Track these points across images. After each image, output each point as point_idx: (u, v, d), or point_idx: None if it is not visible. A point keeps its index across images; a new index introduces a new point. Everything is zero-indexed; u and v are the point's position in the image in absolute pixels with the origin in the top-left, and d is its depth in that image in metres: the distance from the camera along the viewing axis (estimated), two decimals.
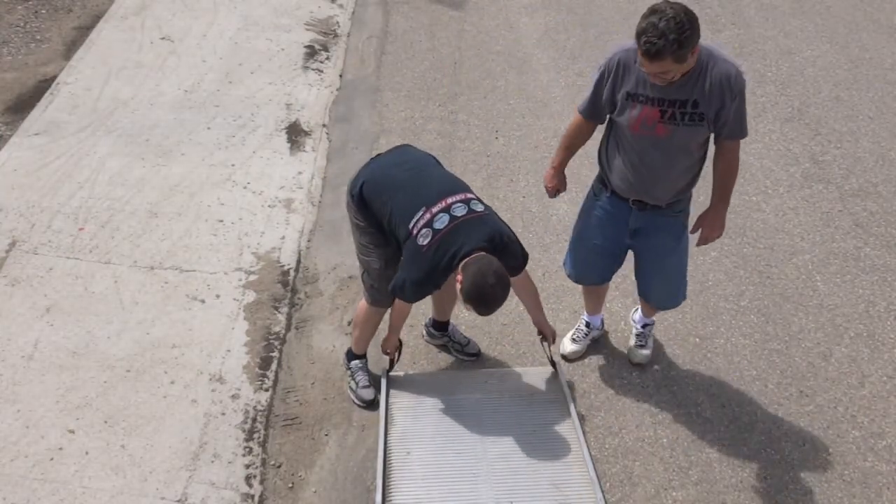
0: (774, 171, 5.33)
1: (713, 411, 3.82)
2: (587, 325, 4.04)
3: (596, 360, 4.03)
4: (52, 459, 3.38)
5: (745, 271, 4.58)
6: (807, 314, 4.33)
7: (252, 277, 4.33)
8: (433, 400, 3.63)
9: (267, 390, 3.78)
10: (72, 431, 3.50)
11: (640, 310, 4.00)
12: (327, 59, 6.30)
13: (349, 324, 4.17)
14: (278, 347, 3.99)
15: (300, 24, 6.69)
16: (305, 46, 6.39)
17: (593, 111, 3.32)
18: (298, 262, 4.50)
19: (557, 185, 3.61)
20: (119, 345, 3.89)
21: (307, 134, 5.47)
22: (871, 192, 5.19)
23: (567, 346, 4.02)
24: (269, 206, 4.81)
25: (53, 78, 5.77)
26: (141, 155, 5.09)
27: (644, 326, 4.00)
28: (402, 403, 3.62)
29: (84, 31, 6.36)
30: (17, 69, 5.90)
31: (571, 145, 3.52)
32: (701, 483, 3.49)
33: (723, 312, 4.32)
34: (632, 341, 4.04)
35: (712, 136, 3.20)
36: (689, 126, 3.06)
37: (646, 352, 4.01)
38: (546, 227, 4.82)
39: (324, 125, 5.60)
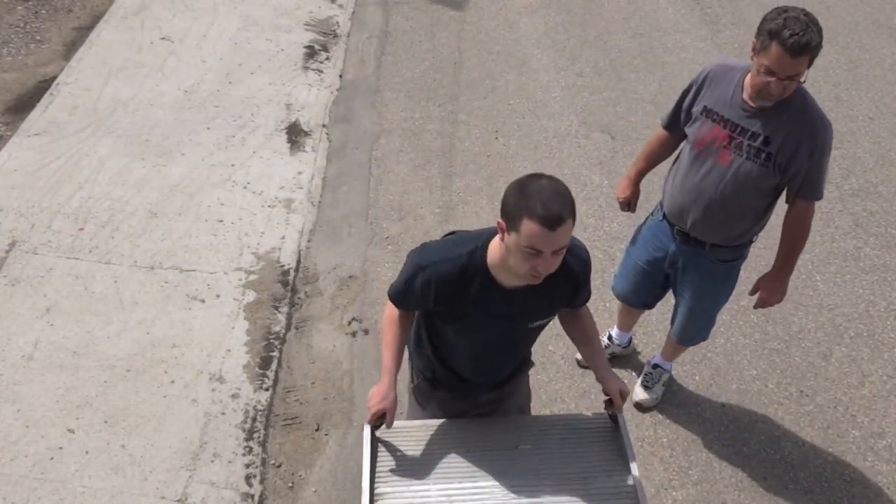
0: None
1: (713, 411, 3.81)
2: (609, 337, 3.95)
3: None
4: (52, 459, 3.38)
5: (745, 271, 4.55)
6: (807, 314, 4.33)
7: (252, 277, 4.33)
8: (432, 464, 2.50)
9: (267, 390, 3.78)
10: (72, 431, 3.50)
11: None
12: (327, 59, 6.30)
13: (349, 323, 4.17)
14: (278, 347, 3.99)
15: (300, 24, 6.69)
16: (305, 47, 6.39)
17: (672, 119, 3.16)
18: (298, 261, 4.50)
19: (630, 197, 3.44)
20: (119, 344, 3.89)
21: (307, 134, 5.47)
22: (870, 192, 5.19)
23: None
24: (269, 206, 4.81)
25: (53, 78, 5.77)
26: (141, 155, 5.09)
27: (654, 367, 3.81)
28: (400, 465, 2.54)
29: (84, 31, 6.36)
30: (17, 69, 5.90)
31: (650, 155, 3.35)
32: (701, 483, 3.49)
33: (723, 312, 4.31)
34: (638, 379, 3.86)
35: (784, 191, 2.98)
36: (752, 162, 2.85)
37: (648, 396, 3.78)
38: None
39: (324, 125, 5.60)
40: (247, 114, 5.56)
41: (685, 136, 3.11)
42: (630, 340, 4.00)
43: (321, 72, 6.13)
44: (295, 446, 3.58)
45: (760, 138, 2.82)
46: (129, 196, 4.77)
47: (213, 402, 3.68)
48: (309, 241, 4.66)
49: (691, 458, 3.59)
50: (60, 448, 3.43)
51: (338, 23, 6.79)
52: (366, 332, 4.12)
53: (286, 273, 4.39)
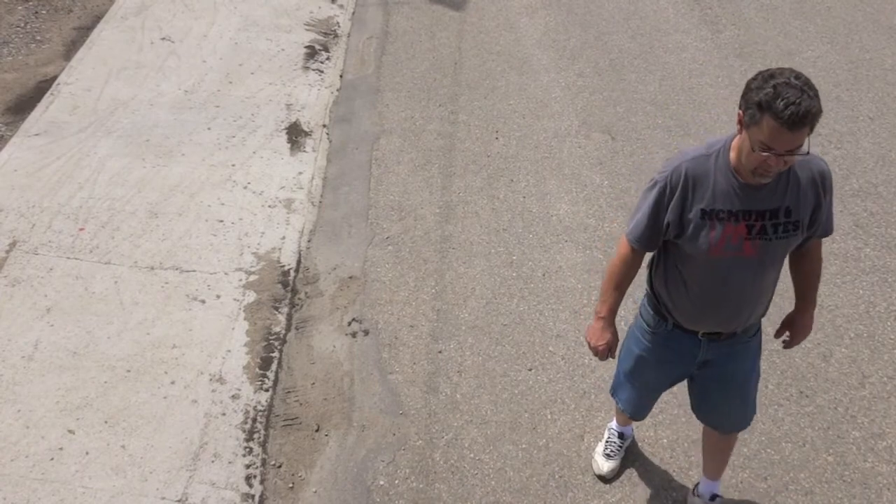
0: None
1: None
2: (620, 435, 3.53)
3: (595, 361, 4.02)
4: (52, 459, 3.38)
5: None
6: None
7: (252, 278, 4.33)
8: None
9: (267, 390, 3.78)
10: (72, 431, 3.50)
11: (702, 480, 3.37)
12: (327, 59, 6.30)
13: (349, 324, 4.17)
14: (278, 348, 3.99)
15: (300, 24, 6.69)
16: (306, 47, 6.39)
17: (651, 239, 2.68)
18: (299, 262, 4.50)
19: (612, 342, 2.94)
20: (119, 345, 3.89)
21: (307, 134, 5.47)
22: (871, 193, 5.19)
23: (602, 464, 3.49)
24: (269, 206, 4.81)
25: (54, 78, 5.77)
26: (141, 155, 5.09)
27: (713, 499, 3.33)
28: None
29: (84, 31, 6.36)
30: (18, 70, 5.90)
31: (621, 284, 2.85)
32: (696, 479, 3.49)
33: None
34: None
35: None
36: (782, 239, 2.55)
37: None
38: (546, 228, 4.82)
39: (324, 125, 5.60)
40: (247, 114, 5.56)
41: (655, 249, 2.75)
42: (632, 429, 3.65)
43: (321, 72, 6.13)
44: (295, 447, 3.58)
45: (782, 212, 2.52)
46: (129, 196, 4.77)
47: (214, 402, 3.68)
48: (309, 241, 4.66)
49: (691, 459, 3.59)
50: (61, 448, 3.43)
51: (338, 23, 6.79)
52: (366, 332, 4.12)
53: (286, 273, 4.39)
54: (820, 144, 5.58)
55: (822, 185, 2.55)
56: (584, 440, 3.67)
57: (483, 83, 6.15)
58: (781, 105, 2.22)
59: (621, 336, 3.06)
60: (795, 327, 2.97)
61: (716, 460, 3.26)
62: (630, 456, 3.59)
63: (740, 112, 2.36)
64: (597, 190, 5.12)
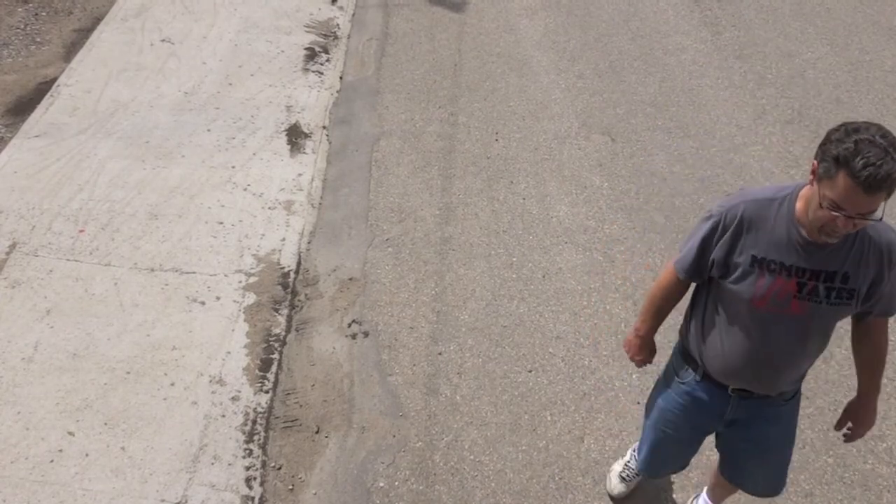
0: (775, 173, 5.33)
1: None
2: None
3: (596, 363, 4.02)
4: (52, 461, 3.38)
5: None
6: None
7: (252, 279, 4.33)
8: None
9: (267, 392, 3.77)
10: (72, 433, 3.50)
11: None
12: (327, 61, 6.30)
13: (349, 325, 4.17)
14: (278, 349, 3.99)
15: (300, 26, 6.69)
16: (305, 49, 6.39)
17: (697, 272, 2.55)
18: (298, 263, 4.50)
19: (646, 358, 2.91)
20: (119, 347, 3.89)
21: (307, 136, 5.47)
22: None
23: (615, 485, 3.42)
24: (269, 208, 4.81)
25: (54, 80, 5.77)
26: (141, 157, 5.09)
27: None
28: None
29: (84, 33, 6.36)
30: (18, 71, 5.90)
31: (662, 309, 2.76)
32: (701, 485, 3.48)
33: None
34: None
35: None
36: (834, 306, 2.36)
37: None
38: (546, 229, 4.82)
39: (324, 127, 5.60)
40: (247, 116, 5.56)
41: (702, 280, 2.61)
42: None
43: (321, 74, 6.13)
44: (295, 449, 3.58)
45: (839, 277, 2.33)
46: (129, 198, 4.77)
47: (214, 404, 3.68)
48: (309, 242, 4.66)
49: (692, 462, 3.59)
50: (60, 450, 3.43)
51: (338, 25, 6.79)
52: (366, 334, 4.12)
53: (286, 275, 4.39)
54: None
55: (888, 257, 2.33)
56: (584, 442, 3.66)
57: (483, 85, 6.15)
58: (860, 164, 2.04)
59: (660, 351, 3.02)
60: (858, 417, 2.67)
61: (724, 495, 3.21)
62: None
63: (815, 162, 2.18)
64: (597, 192, 5.12)
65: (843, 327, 4.24)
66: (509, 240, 4.73)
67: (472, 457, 3.59)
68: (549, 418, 3.76)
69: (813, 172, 2.19)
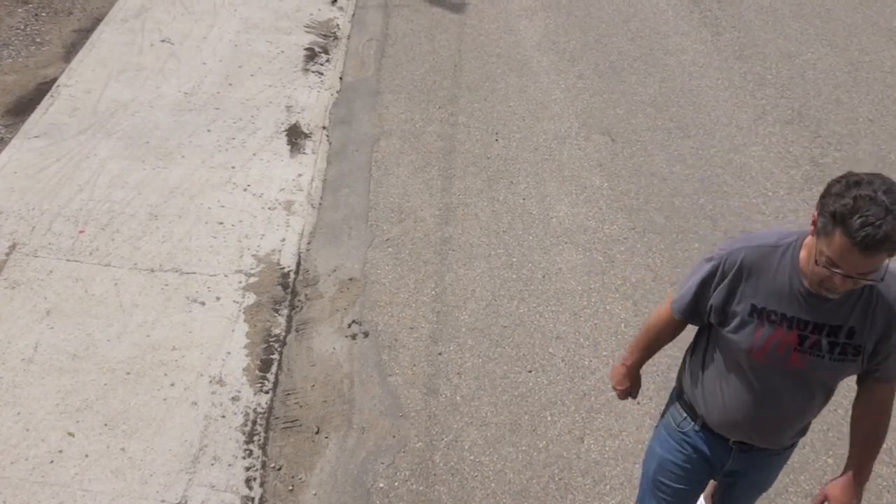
0: (775, 173, 5.33)
1: None
2: None
3: (596, 363, 4.02)
4: (51, 462, 3.38)
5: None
6: None
7: (252, 280, 4.33)
8: None
9: (267, 392, 3.77)
10: (72, 434, 3.50)
11: None
12: (327, 61, 6.30)
13: (349, 326, 4.17)
14: (278, 350, 3.99)
15: (300, 26, 6.69)
16: (305, 49, 6.39)
17: (694, 315, 2.43)
18: (298, 264, 4.50)
19: (631, 388, 2.81)
20: (119, 347, 3.89)
21: (307, 136, 5.47)
22: None
23: None
24: (269, 208, 4.81)
25: (54, 80, 5.77)
26: (141, 157, 5.09)
27: None
28: None
29: (84, 33, 6.36)
30: (18, 72, 5.90)
31: (654, 344, 2.66)
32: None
33: None
34: None
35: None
36: (838, 361, 2.22)
37: None
38: (546, 230, 4.82)
39: (324, 127, 5.60)
40: (247, 116, 5.56)
41: (703, 324, 2.49)
42: None
43: (321, 74, 6.13)
44: (295, 449, 3.57)
45: (843, 332, 2.19)
46: (129, 198, 4.77)
47: (213, 404, 3.67)
48: (309, 243, 4.66)
49: None
50: (60, 451, 3.43)
51: (338, 25, 6.79)
52: (366, 334, 4.12)
53: (286, 275, 4.39)
54: (820, 146, 5.59)
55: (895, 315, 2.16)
56: (584, 442, 3.66)
57: (483, 85, 6.15)
58: (858, 223, 1.90)
59: (645, 383, 2.97)
60: (834, 495, 2.40)
61: None
62: (631, 458, 3.59)
63: (815, 213, 2.04)
64: (597, 192, 5.12)
65: None
66: (509, 240, 4.74)
67: (472, 457, 3.59)
68: (549, 418, 3.76)
69: (813, 223, 2.06)
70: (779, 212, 5.02)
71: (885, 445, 3.66)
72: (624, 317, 4.27)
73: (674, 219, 4.92)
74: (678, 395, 2.64)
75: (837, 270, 1.99)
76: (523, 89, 6.13)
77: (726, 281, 2.27)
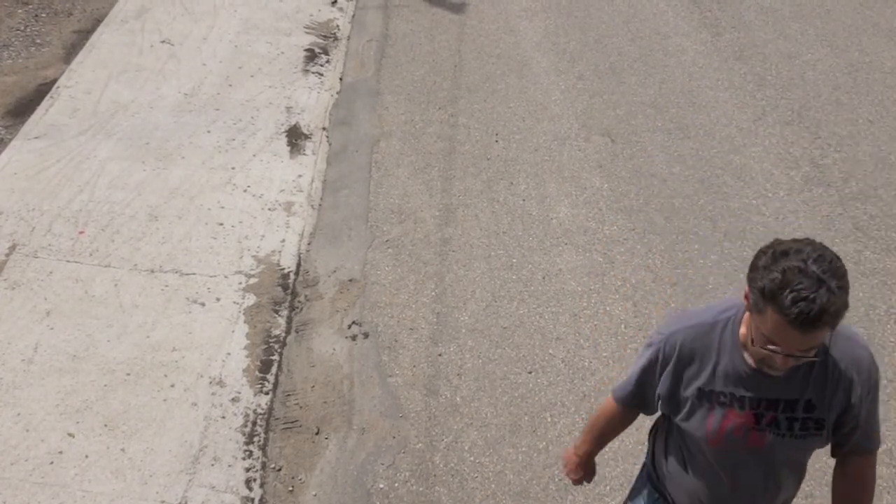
0: (774, 174, 5.33)
1: None
2: None
3: (596, 364, 4.02)
4: (51, 463, 3.38)
5: (745, 274, 4.57)
6: None
7: (252, 280, 4.33)
8: None
9: (267, 393, 3.77)
10: (72, 435, 3.50)
11: None
12: (327, 62, 6.31)
13: (349, 327, 4.17)
14: (278, 350, 3.99)
15: (300, 27, 6.69)
16: (305, 50, 6.40)
17: (638, 404, 2.31)
18: (298, 265, 4.50)
19: (583, 479, 2.62)
20: (119, 348, 3.89)
21: (307, 137, 5.47)
22: (871, 196, 5.19)
23: None
24: (269, 209, 4.81)
25: (54, 81, 5.77)
26: (141, 158, 5.09)
27: None
28: None
29: (84, 34, 6.37)
30: (18, 73, 5.90)
31: (605, 435, 2.49)
32: None
33: None
34: None
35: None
36: (800, 438, 2.03)
37: None
38: (546, 230, 4.82)
39: (324, 128, 5.60)
40: (247, 117, 5.56)
41: (655, 412, 2.33)
42: None
43: (321, 75, 6.13)
44: (295, 450, 3.57)
45: (800, 406, 2.00)
46: (129, 199, 4.77)
47: (213, 405, 3.67)
48: (309, 244, 4.66)
49: None
50: (60, 452, 3.43)
51: (338, 26, 6.79)
52: (365, 335, 4.12)
53: (286, 276, 4.39)
54: (820, 147, 5.58)
55: (857, 382, 1.99)
56: None
57: (483, 86, 6.16)
58: (789, 299, 1.73)
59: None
60: None
61: None
62: (631, 459, 3.59)
63: (747, 288, 1.88)
64: (596, 193, 5.12)
65: (846, 319, 4.24)
66: (509, 241, 4.74)
67: (472, 458, 3.59)
68: (549, 419, 3.76)
69: (746, 297, 1.90)
70: (778, 213, 5.02)
71: (885, 447, 3.66)
72: (624, 318, 4.28)
73: (674, 220, 4.92)
74: (648, 474, 2.47)
75: (776, 349, 1.82)
76: (523, 90, 6.13)
77: (669, 367, 2.11)
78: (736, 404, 2.02)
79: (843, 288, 1.74)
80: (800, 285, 1.72)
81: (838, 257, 1.80)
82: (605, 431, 2.46)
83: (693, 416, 2.09)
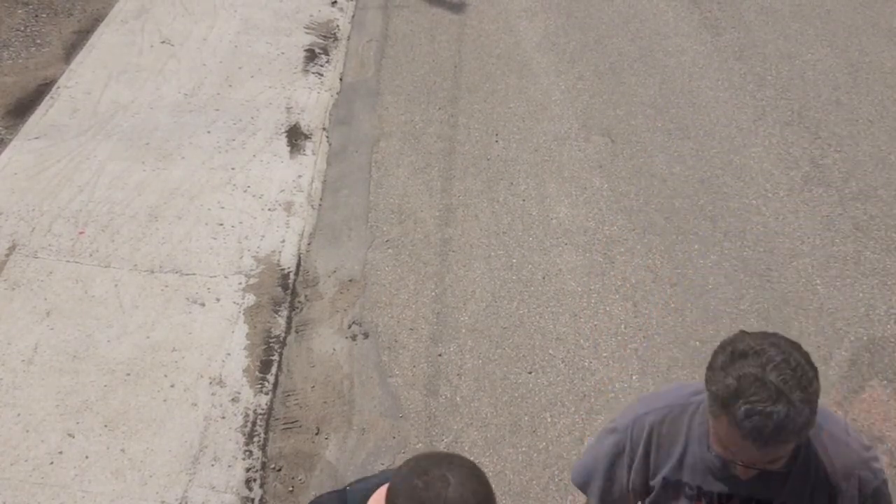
0: (774, 174, 5.33)
1: None
2: None
3: (596, 364, 4.03)
4: (51, 463, 3.38)
5: (745, 275, 4.58)
6: (807, 317, 4.33)
7: (252, 280, 4.33)
8: None
9: (267, 393, 3.77)
10: (71, 435, 3.50)
11: None
12: (327, 62, 6.31)
13: (349, 326, 4.17)
14: (278, 350, 3.99)
15: (300, 27, 6.69)
16: (305, 50, 6.40)
17: (619, 498, 2.01)
18: (298, 265, 4.50)
19: None
20: (119, 348, 3.89)
21: (307, 137, 5.47)
22: (871, 196, 5.19)
23: None
24: (269, 209, 4.81)
25: (53, 81, 5.77)
26: (141, 158, 5.09)
27: None
28: None
29: (84, 34, 6.37)
30: (18, 73, 5.90)
31: None
32: None
33: (723, 316, 4.32)
34: None
35: None
36: None
37: None
38: (546, 230, 4.82)
39: (324, 128, 5.60)
40: (247, 117, 5.56)
41: None
42: None
43: (321, 75, 6.13)
44: (295, 450, 3.57)
45: None
46: (129, 199, 4.77)
47: (213, 405, 3.67)
48: (309, 244, 4.66)
49: None
50: (60, 452, 3.43)
51: (338, 26, 6.79)
52: (365, 335, 4.12)
53: (286, 276, 4.39)
54: (820, 147, 5.59)
55: (843, 491, 1.76)
56: (583, 443, 3.66)
57: (483, 86, 6.16)
58: (742, 413, 1.51)
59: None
60: None
61: None
62: None
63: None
64: (596, 193, 5.12)
65: (836, 323, 4.25)
66: (509, 241, 4.74)
67: (472, 458, 3.58)
68: (549, 419, 3.77)
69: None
70: (778, 213, 5.02)
71: (885, 446, 3.67)
72: (624, 318, 4.28)
73: (674, 220, 4.92)
74: None
75: (734, 460, 1.62)
76: (523, 90, 6.13)
77: (637, 458, 1.88)
78: (704, 499, 1.82)
79: (808, 401, 1.51)
80: (754, 397, 1.50)
81: (808, 359, 1.56)
82: None
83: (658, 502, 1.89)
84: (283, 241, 4.60)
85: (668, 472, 1.84)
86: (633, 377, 3.97)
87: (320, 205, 4.96)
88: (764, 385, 1.50)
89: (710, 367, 1.62)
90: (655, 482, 1.88)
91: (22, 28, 6.40)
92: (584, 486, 2.04)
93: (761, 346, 1.56)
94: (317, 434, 3.65)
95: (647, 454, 1.87)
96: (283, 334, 4.08)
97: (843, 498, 1.76)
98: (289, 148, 5.34)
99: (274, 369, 3.90)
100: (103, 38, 6.29)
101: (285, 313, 4.20)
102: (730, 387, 1.53)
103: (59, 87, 5.70)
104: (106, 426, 3.54)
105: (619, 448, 1.91)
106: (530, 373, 3.97)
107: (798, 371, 1.52)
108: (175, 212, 4.71)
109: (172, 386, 3.74)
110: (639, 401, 1.96)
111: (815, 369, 1.55)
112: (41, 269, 4.28)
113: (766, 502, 1.78)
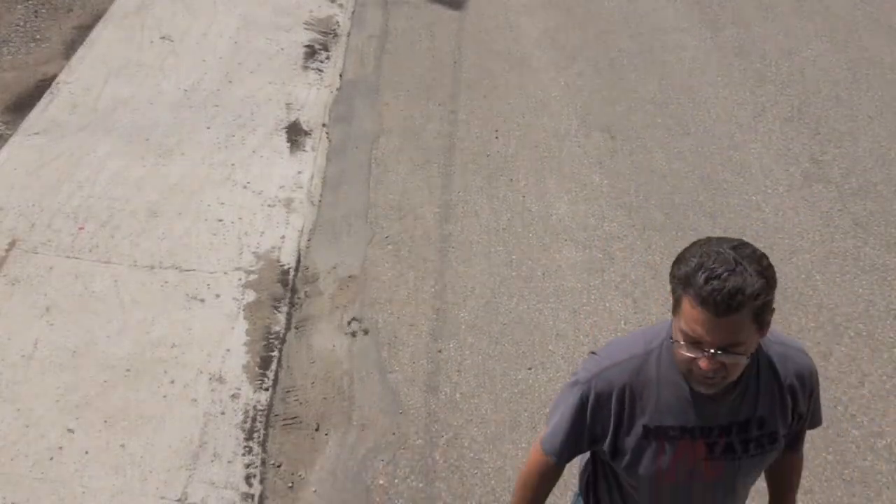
0: (774, 170, 5.33)
1: None
2: None
3: None
4: (51, 459, 3.38)
5: None
6: (806, 313, 4.33)
7: (252, 277, 4.33)
8: None
9: (267, 390, 3.78)
10: (71, 431, 3.50)
11: None
12: (327, 58, 6.30)
13: (349, 323, 4.17)
14: (278, 347, 4.00)
15: (300, 23, 6.69)
16: (305, 46, 6.39)
17: (575, 452, 2.07)
18: (298, 261, 4.50)
19: None
20: (119, 344, 3.89)
21: (307, 133, 5.47)
22: (870, 192, 5.19)
23: None
24: (268, 205, 4.81)
25: (53, 77, 5.76)
26: (141, 154, 5.09)
27: None
28: None
29: (84, 30, 6.36)
30: (17, 69, 5.89)
31: (539, 497, 2.17)
32: None
33: None
34: None
35: None
36: (756, 457, 1.94)
37: None
38: (546, 227, 4.82)
39: (324, 125, 5.60)
40: (247, 113, 5.56)
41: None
42: None
43: (321, 71, 6.13)
44: (295, 446, 3.58)
45: (754, 424, 1.91)
46: (128, 195, 4.77)
47: (213, 401, 3.68)
48: (309, 240, 4.66)
49: None
50: (60, 448, 3.43)
51: (338, 22, 6.79)
52: (365, 332, 4.13)
53: (286, 273, 4.39)
54: (819, 144, 5.58)
55: (802, 389, 1.94)
56: None
57: (482, 82, 6.15)
58: (702, 279, 1.63)
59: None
60: None
61: None
62: None
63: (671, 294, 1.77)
64: (596, 189, 5.12)
65: (836, 319, 4.25)
66: (509, 237, 4.74)
67: (471, 454, 3.60)
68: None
69: (673, 310, 1.78)
70: (778, 209, 5.02)
71: (884, 442, 3.67)
72: (624, 314, 4.28)
73: (673, 216, 4.92)
74: None
75: (697, 348, 1.70)
76: (523, 86, 6.12)
77: (607, 408, 1.92)
78: (687, 436, 1.89)
79: (763, 275, 1.65)
80: (714, 264, 1.64)
81: (766, 256, 1.71)
82: (542, 490, 2.14)
83: (641, 460, 1.93)
84: (283, 238, 4.60)
85: (647, 419, 1.90)
86: None
87: (320, 201, 4.96)
88: (722, 256, 1.66)
89: (676, 261, 1.75)
90: (633, 434, 1.92)
91: (22, 24, 6.40)
92: (551, 447, 2.05)
93: (721, 239, 1.74)
94: (316, 430, 3.65)
95: (618, 409, 1.91)
96: (282, 331, 4.08)
97: (801, 396, 1.95)
98: (288, 144, 5.34)
99: (274, 366, 3.90)
100: (103, 35, 6.28)
101: (285, 310, 4.20)
102: (690, 263, 1.68)
103: (58, 84, 5.70)
104: (106, 422, 3.54)
105: (583, 399, 1.94)
106: (530, 369, 3.98)
107: (756, 254, 1.69)
108: (175, 208, 4.71)
109: (172, 382, 3.74)
110: (600, 355, 1.98)
111: (768, 259, 1.71)
112: (41, 265, 4.28)
113: (744, 423, 1.89)
